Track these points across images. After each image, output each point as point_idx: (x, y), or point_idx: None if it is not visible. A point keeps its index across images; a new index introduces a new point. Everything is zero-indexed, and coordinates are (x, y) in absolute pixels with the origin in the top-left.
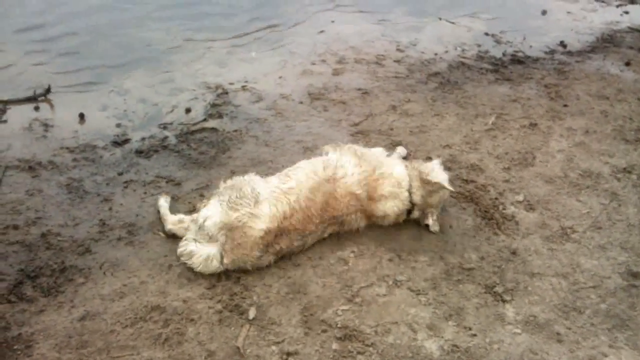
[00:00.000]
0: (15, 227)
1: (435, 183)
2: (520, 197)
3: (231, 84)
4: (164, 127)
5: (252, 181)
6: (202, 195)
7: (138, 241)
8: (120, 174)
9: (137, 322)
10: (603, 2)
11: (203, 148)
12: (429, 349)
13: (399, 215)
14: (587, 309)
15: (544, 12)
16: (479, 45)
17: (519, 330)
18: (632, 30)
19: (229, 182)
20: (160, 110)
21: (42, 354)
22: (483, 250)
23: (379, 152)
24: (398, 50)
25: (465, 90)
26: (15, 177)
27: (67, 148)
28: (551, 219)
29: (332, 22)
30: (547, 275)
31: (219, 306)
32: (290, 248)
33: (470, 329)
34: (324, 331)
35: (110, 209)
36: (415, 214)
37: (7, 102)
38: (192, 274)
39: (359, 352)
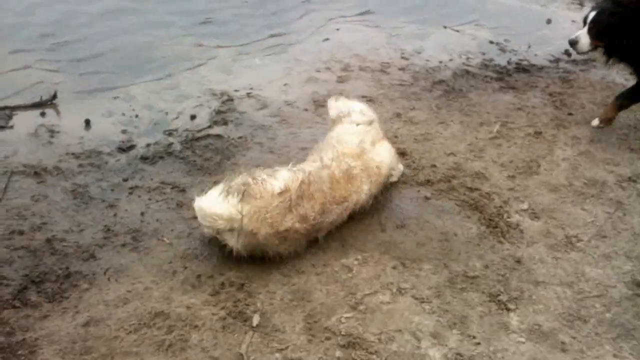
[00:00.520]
0: (21, 233)
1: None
2: (525, 206)
3: (236, 90)
4: (169, 133)
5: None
6: None
7: (142, 247)
8: (125, 180)
9: (140, 328)
10: None
11: (208, 155)
12: (433, 357)
13: None
14: (591, 318)
15: (548, 21)
16: (483, 54)
17: (523, 339)
18: None
19: None
20: (165, 117)
21: (45, 359)
22: (487, 258)
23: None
24: (403, 58)
25: (469, 98)
26: (21, 183)
27: (73, 154)
28: (556, 228)
29: (337, 30)
30: (551, 284)
31: (222, 313)
32: (315, 217)
33: (474, 337)
34: (328, 339)
35: (115, 215)
36: None
37: (13, 108)
38: (197, 281)
39: None
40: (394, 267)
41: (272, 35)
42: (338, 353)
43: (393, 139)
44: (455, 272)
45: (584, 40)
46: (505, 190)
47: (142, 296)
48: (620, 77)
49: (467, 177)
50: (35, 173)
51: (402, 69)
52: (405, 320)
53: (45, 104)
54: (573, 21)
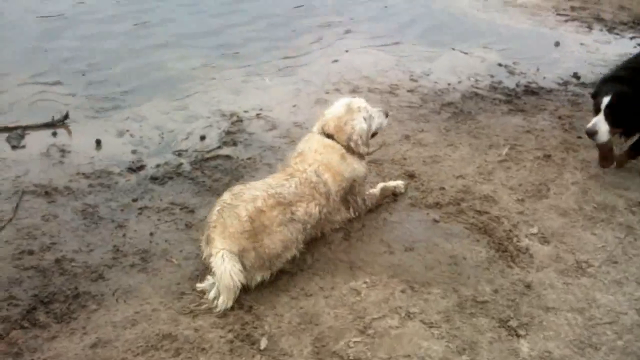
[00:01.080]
0: (30, 253)
1: None
2: (535, 230)
3: (246, 111)
4: (179, 154)
5: None
6: None
7: (151, 268)
8: (134, 200)
9: (148, 350)
10: (616, 34)
11: (217, 175)
12: None
13: None
14: (603, 345)
15: (557, 44)
16: (492, 76)
17: None
18: None
19: None
20: (175, 137)
21: None
22: (497, 283)
23: None
24: (411, 80)
25: (478, 120)
26: (32, 202)
27: (83, 174)
28: (566, 252)
29: (346, 51)
30: (562, 309)
31: (230, 335)
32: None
33: None
34: None
35: (124, 235)
36: None
37: (25, 128)
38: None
39: None
40: (403, 291)
41: (282, 57)
42: None
43: (402, 160)
44: (465, 296)
45: (603, 129)
46: (514, 213)
47: (150, 318)
48: None
49: (476, 200)
50: (46, 193)
51: (410, 90)
52: (414, 345)
53: (57, 124)
54: (581, 44)
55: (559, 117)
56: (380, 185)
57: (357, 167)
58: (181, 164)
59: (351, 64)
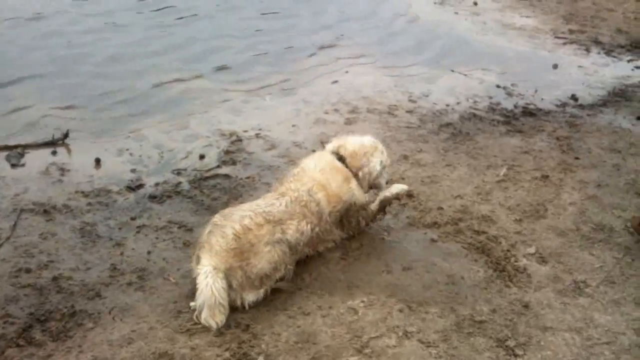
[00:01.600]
0: (28, 271)
1: None
2: (532, 250)
3: (245, 131)
4: (178, 172)
5: None
6: None
7: (148, 286)
8: (133, 218)
9: None
10: (614, 57)
11: (216, 194)
12: None
13: None
14: None
15: (555, 66)
16: (490, 97)
17: None
18: None
19: None
20: (175, 156)
21: None
22: (495, 302)
23: None
24: (410, 100)
25: (476, 141)
26: (30, 220)
27: (82, 192)
28: (564, 272)
29: (346, 72)
30: (560, 329)
31: (227, 354)
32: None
33: None
34: None
35: (121, 253)
36: None
37: (25, 147)
38: None
39: None
40: (400, 310)
41: (282, 77)
42: None
43: (400, 180)
44: (462, 316)
45: None
46: (512, 233)
47: (147, 336)
48: (627, 122)
49: (474, 220)
50: (45, 211)
51: (409, 111)
52: None
53: (56, 143)
54: (579, 66)
55: (557, 138)
56: (379, 197)
57: (357, 193)
58: (180, 182)
59: (351, 84)
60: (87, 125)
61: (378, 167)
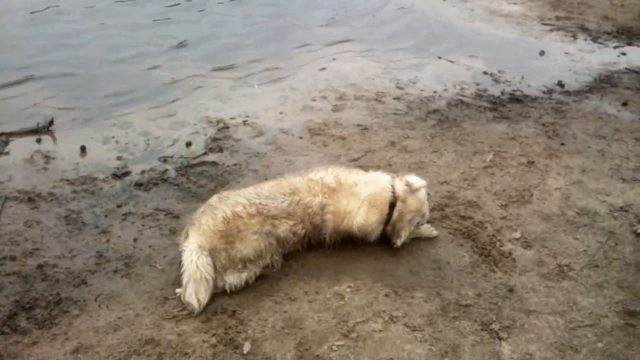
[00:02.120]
0: (13, 258)
1: None
2: (518, 235)
3: (232, 118)
4: (165, 160)
5: None
6: None
7: (134, 273)
8: (119, 206)
9: (130, 355)
10: (600, 43)
11: (202, 181)
12: None
13: None
14: (583, 347)
15: (542, 53)
16: (477, 84)
17: None
18: (629, 71)
19: None
20: (161, 144)
21: None
22: (480, 286)
23: None
24: (398, 87)
25: (463, 127)
26: (15, 208)
27: (67, 180)
28: (548, 257)
29: (333, 59)
30: (543, 313)
31: (213, 340)
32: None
33: None
34: None
35: (107, 241)
36: None
37: (10, 134)
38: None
39: None
40: (387, 295)
41: (270, 64)
42: None
43: (387, 167)
44: (448, 300)
45: None
46: (498, 219)
47: (133, 323)
48: (613, 108)
49: (461, 206)
50: (29, 199)
51: (397, 98)
52: (397, 349)
53: (41, 131)
54: (566, 53)
55: (543, 125)
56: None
57: (374, 229)
58: (166, 170)
59: (338, 71)
60: (72, 113)
61: (425, 211)
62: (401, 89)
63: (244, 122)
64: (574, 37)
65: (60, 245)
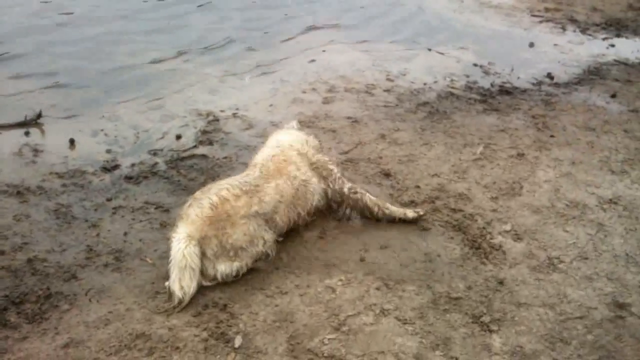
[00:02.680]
0: (2, 253)
1: None
2: (508, 227)
3: (222, 111)
4: (154, 153)
5: None
6: None
7: (125, 267)
8: (109, 199)
9: (121, 350)
10: (589, 35)
11: (192, 174)
12: None
13: None
14: (573, 339)
15: (531, 45)
16: (467, 76)
17: None
18: (618, 63)
19: None
20: (150, 137)
21: None
22: (470, 279)
23: None
24: (388, 79)
25: (453, 120)
26: (3, 202)
27: (57, 173)
28: (538, 249)
29: (323, 51)
30: (534, 305)
31: (204, 334)
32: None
33: (457, 359)
34: None
35: (97, 235)
36: None
37: None
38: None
39: None
40: (378, 288)
41: (259, 57)
42: None
43: (377, 159)
44: (439, 293)
45: None
46: (488, 211)
47: (124, 317)
48: (602, 100)
49: (451, 198)
50: (18, 192)
51: (387, 90)
52: (388, 342)
53: (29, 123)
54: (555, 45)
55: (533, 117)
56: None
57: None
58: (156, 163)
59: (328, 63)
60: (60, 106)
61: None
62: (391, 81)
63: (234, 115)
64: (563, 28)
65: (49, 239)
